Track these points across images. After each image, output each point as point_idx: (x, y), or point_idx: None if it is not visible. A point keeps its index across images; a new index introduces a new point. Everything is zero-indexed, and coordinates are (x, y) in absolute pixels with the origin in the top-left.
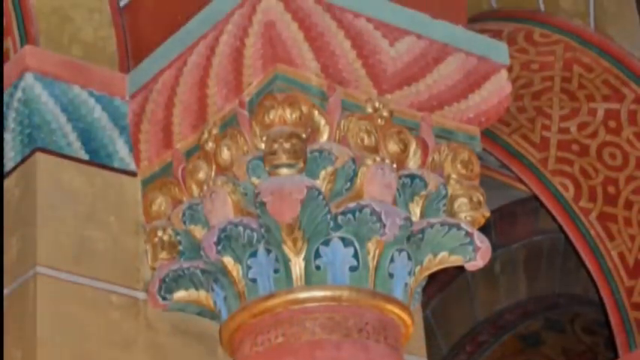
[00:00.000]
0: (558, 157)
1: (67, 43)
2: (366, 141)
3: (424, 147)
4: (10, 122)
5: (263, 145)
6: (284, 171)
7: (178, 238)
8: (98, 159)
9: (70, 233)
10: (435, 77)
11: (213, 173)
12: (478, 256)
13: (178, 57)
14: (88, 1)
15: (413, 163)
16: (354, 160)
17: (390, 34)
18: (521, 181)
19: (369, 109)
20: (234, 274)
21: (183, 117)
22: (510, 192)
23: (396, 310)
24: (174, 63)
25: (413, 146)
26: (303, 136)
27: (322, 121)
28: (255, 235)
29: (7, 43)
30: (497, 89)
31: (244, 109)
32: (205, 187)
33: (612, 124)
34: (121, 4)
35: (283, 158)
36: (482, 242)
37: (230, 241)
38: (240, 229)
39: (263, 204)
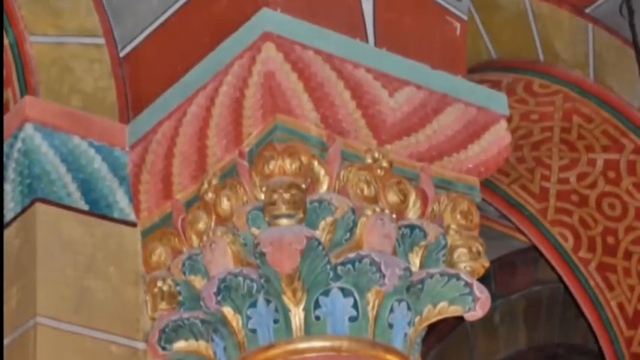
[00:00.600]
0: (558, 207)
1: (67, 93)
2: (366, 191)
3: (424, 197)
4: (10, 173)
5: (263, 196)
6: (284, 221)
7: (178, 288)
8: (98, 209)
9: (69, 283)
10: (435, 128)
11: (212, 224)
12: (477, 306)
13: (178, 108)
14: (87, 52)
15: (412, 214)
16: (353, 211)
17: (389, 85)
18: (520, 231)
19: (369, 160)
20: (234, 324)
21: (183, 167)
22: (510, 242)
23: None
24: (174, 114)
25: (412, 197)
26: (303, 186)
27: (322, 172)
28: (254, 285)
29: (7, 93)
30: (497, 140)
31: (244, 159)
32: (205, 238)
33: (611, 174)
34: (121, 54)
35: (283, 209)
36: (481, 292)
37: (230, 292)
38: (240, 279)
39: (263, 254)
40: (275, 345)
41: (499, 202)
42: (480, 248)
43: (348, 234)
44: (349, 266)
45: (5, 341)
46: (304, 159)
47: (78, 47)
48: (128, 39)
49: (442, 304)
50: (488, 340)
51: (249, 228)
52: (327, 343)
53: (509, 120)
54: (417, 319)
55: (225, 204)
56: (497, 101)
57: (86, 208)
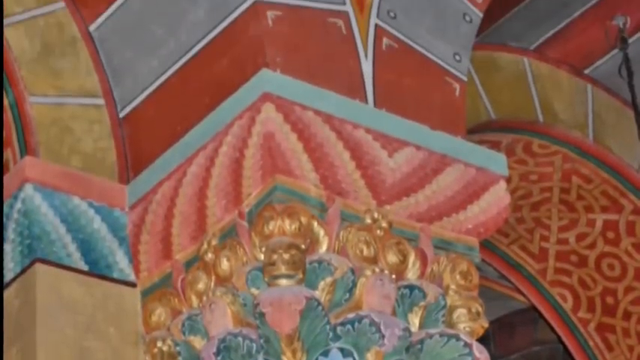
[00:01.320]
0: (557, 267)
1: (67, 154)
2: (365, 252)
3: (423, 258)
4: (10, 233)
5: (262, 256)
6: (283, 282)
7: (178, 348)
8: (98, 270)
9: (69, 344)
10: (434, 188)
11: (212, 284)
12: None
13: (177, 168)
14: (87, 113)
15: (412, 274)
16: (353, 271)
17: (389, 145)
18: (519, 291)
19: (368, 220)
20: None
21: (183, 228)
22: (509, 303)
23: None
24: (174, 174)
25: (412, 257)
26: (303, 246)
27: (321, 232)
28: (254, 345)
29: (7, 154)
30: (496, 200)
31: (244, 220)
32: (205, 298)
33: (611, 234)
34: (121, 115)
35: (282, 269)
36: (481, 353)
37: (229, 352)
38: (240, 339)
39: (262, 315)
40: None
41: (498, 263)
42: (480, 309)
43: (348, 294)
44: (349, 326)
45: None
46: (304, 219)
47: (78, 108)
48: (128, 99)
49: None
50: None
51: (249, 288)
52: None
53: (508, 180)
54: None
55: (224, 264)
56: (497, 162)
57: (86, 268)
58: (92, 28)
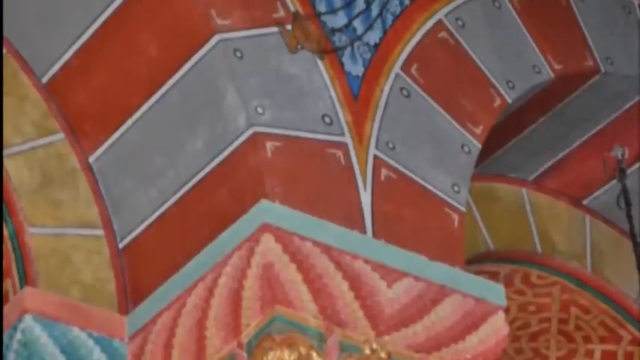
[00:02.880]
0: None
1: (67, 284)
2: None
3: None
4: None
5: None
6: None
7: None
8: None
9: None
10: (433, 319)
11: None
12: None
13: (177, 299)
14: (87, 243)
15: None
16: None
17: (387, 276)
18: None
19: (367, 351)
20: None
21: (182, 358)
22: None
23: None
24: (173, 305)
25: None
26: None
27: None
28: None
29: (7, 284)
30: (495, 331)
31: (243, 350)
32: None
33: None
34: (120, 246)
35: None
36: None
37: None
38: None
39: None
40: None
41: None
42: None
43: None
44: None
45: None
46: (303, 350)
47: (77, 238)
48: (127, 230)
49: None
50: None
51: None
52: None
53: (507, 311)
54: None
55: None
56: (495, 292)
57: None
58: (92, 159)
